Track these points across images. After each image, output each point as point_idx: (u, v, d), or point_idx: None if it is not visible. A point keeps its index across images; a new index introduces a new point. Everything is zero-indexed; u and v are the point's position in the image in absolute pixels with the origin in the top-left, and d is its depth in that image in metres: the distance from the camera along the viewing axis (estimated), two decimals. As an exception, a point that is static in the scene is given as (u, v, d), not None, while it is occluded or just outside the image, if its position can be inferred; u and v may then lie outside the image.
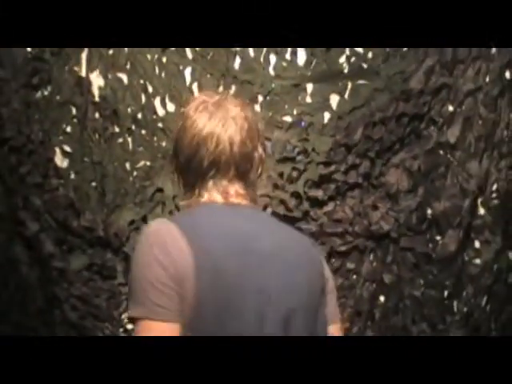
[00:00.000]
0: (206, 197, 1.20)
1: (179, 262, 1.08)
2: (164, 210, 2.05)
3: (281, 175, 2.01)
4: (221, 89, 2.05)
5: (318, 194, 1.98)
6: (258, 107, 2.05)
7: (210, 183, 1.19)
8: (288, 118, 2.05)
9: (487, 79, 1.96)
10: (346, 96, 2.01)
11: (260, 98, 2.05)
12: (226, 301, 1.08)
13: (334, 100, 2.02)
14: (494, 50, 1.94)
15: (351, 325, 1.97)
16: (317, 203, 1.99)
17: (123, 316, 2.11)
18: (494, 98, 1.96)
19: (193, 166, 1.19)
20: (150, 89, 2.08)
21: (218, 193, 1.19)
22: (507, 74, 1.97)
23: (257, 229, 1.17)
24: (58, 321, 2.11)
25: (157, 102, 2.08)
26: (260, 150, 1.23)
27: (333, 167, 1.98)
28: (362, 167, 1.99)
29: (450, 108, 1.96)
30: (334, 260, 2.00)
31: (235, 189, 1.19)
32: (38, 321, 2.12)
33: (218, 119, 1.18)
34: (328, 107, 2.02)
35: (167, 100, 2.07)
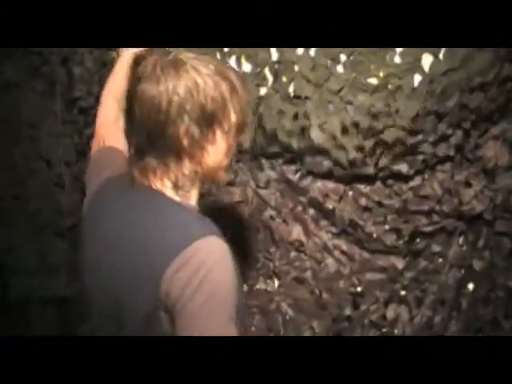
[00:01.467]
0: None
1: None
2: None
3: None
4: (300, 48, 1.86)
5: (402, 166, 1.76)
6: (340, 68, 1.84)
7: None
8: (373, 80, 1.81)
9: None
10: (441, 56, 1.75)
11: (343, 58, 1.80)
12: None
13: (427, 61, 1.77)
14: None
15: (434, 313, 1.78)
16: (401, 177, 1.78)
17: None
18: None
19: None
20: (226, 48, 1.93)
21: None
22: None
23: None
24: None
25: (232, 61, 1.92)
26: None
27: (420, 137, 1.75)
28: (454, 138, 1.74)
29: None
30: (418, 240, 1.80)
31: None
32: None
33: None
34: (419, 69, 1.77)
35: (243, 59, 1.90)
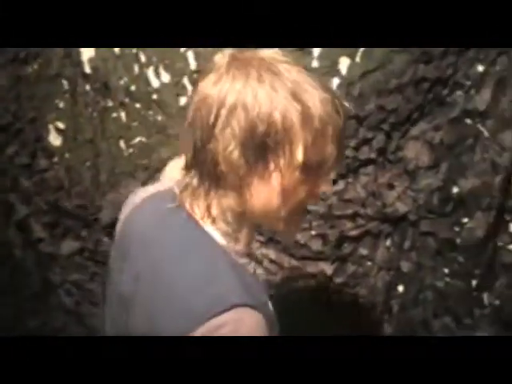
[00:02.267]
0: None
1: None
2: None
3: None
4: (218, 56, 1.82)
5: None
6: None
7: None
8: (292, 86, 1.79)
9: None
10: (358, 59, 1.73)
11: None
12: None
13: (344, 64, 1.74)
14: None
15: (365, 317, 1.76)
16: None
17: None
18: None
19: None
20: (143, 58, 1.85)
21: None
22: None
23: None
24: (55, 307, 1.99)
25: (150, 72, 1.85)
26: None
27: (342, 142, 1.72)
28: (376, 141, 1.71)
29: (480, 68, 1.63)
30: (345, 245, 1.77)
31: None
32: (34, 305, 2.02)
33: None
34: (337, 72, 1.73)
35: (161, 70, 1.83)
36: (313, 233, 1.73)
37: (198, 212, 0.99)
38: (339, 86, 1.71)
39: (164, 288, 0.96)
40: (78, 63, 1.86)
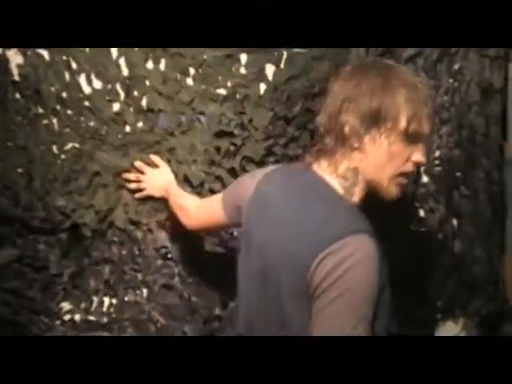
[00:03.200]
0: None
1: None
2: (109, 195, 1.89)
3: (218, 150, 1.88)
4: (150, 63, 1.89)
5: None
6: (190, 80, 1.87)
7: None
8: (222, 91, 1.88)
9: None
10: (282, 65, 1.85)
11: (192, 71, 1.84)
12: None
13: (270, 70, 1.85)
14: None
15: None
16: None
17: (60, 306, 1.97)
18: (434, 63, 1.85)
19: None
20: (74, 65, 1.87)
21: None
22: (445, 37, 1.86)
23: None
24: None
25: (82, 79, 1.88)
26: None
27: (271, 141, 1.85)
28: (302, 139, 1.84)
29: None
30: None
31: None
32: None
33: None
34: (264, 78, 1.85)
35: (93, 77, 1.87)
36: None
37: (326, 169, 1.30)
38: (266, 90, 1.85)
39: (296, 225, 1.24)
40: (6, 70, 1.86)
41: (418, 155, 1.28)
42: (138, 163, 1.87)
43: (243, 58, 1.86)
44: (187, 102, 1.86)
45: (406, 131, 1.24)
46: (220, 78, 1.86)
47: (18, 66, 1.85)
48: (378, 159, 1.26)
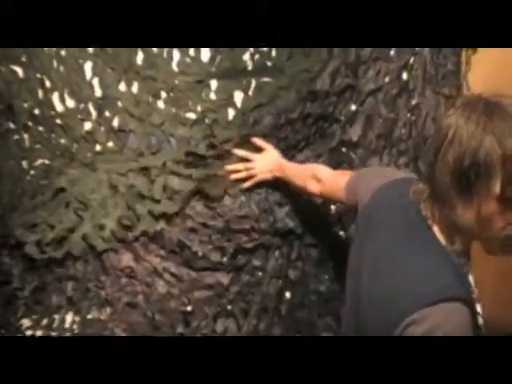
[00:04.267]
0: None
1: None
2: (68, 211, 1.89)
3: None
4: (122, 85, 1.93)
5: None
6: (161, 103, 1.92)
7: None
8: (192, 115, 1.93)
9: (386, 80, 1.93)
10: (250, 93, 1.92)
11: (163, 95, 1.89)
12: None
13: (239, 97, 1.93)
14: (392, 51, 1.93)
15: (259, 321, 1.92)
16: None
17: (21, 321, 1.95)
18: (393, 97, 1.95)
19: None
20: (48, 83, 1.89)
21: None
22: (404, 75, 1.97)
23: None
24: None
25: (55, 97, 1.92)
26: None
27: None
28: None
29: (353, 107, 1.91)
30: (240, 257, 1.94)
31: None
32: None
33: None
34: (232, 104, 1.92)
35: (66, 95, 1.91)
36: (211, 246, 1.89)
37: (425, 211, 1.20)
38: (235, 116, 1.92)
39: (397, 268, 1.16)
40: (-20, 85, 1.88)
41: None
42: (241, 152, 1.86)
43: (213, 84, 1.92)
44: (158, 124, 1.91)
45: (501, 196, 1.10)
46: (190, 102, 1.92)
47: (-8, 82, 1.87)
48: (471, 220, 1.13)
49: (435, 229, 1.19)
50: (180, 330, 1.89)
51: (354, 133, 1.89)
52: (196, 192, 1.89)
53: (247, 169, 1.88)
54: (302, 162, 1.89)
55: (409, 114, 1.95)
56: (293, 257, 1.92)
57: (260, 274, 1.91)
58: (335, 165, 1.88)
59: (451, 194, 1.12)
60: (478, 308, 1.40)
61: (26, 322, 1.93)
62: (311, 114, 1.88)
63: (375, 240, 1.25)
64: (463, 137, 1.09)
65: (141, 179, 1.90)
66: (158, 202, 1.88)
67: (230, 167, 1.89)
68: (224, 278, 1.90)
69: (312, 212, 1.91)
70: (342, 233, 1.92)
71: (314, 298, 1.91)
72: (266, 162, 1.86)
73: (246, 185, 1.89)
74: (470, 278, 1.38)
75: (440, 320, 1.07)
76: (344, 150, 1.91)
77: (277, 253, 1.92)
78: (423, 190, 1.20)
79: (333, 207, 1.91)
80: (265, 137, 1.88)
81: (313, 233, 1.91)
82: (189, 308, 1.90)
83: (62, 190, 1.90)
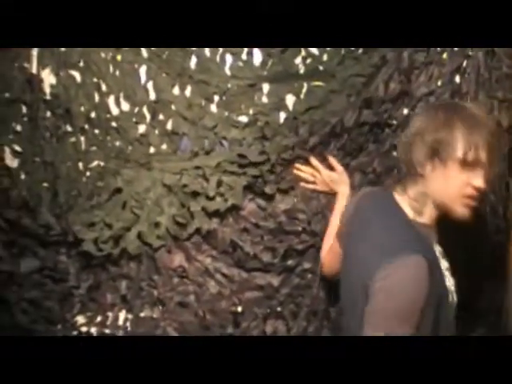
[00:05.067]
0: None
1: None
2: (125, 210, 1.93)
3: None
4: (176, 89, 1.96)
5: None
6: (213, 107, 1.94)
7: None
8: (244, 118, 1.94)
9: (439, 83, 1.89)
10: (302, 96, 1.92)
11: (216, 98, 1.92)
12: None
13: (290, 100, 1.93)
14: (445, 55, 1.91)
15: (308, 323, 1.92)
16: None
17: (76, 318, 2.00)
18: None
19: None
20: (104, 87, 1.93)
21: None
22: (457, 79, 1.95)
23: None
24: (7, 325, 1.97)
25: (111, 100, 1.95)
26: None
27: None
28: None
29: (405, 111, 1.88)
30: (290, 259, 1.92)
31: None
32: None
33: None
34: (284, 107, 1.93)
35: (121, 99, 1.95)
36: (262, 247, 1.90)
37: (398, 194, 1.51)
38: (286, 119, 1.93)
39: (371, 235, 1.44)
40: (40, 89, 1.93)
41: (477, 180, 1.41)
42: (315, 162, 1.88)
43: (265, 87, 1.94)
44: (210, 127, 1.93)
45: (463, 160, 1.40)
46: (242, 106, 1.94)
47: (51, 86, 1.92)
48: (441, 184, 1.43)
49: (405, 205, 1.47)
50: (230, 330, 1.90)
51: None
52: (249, 188, 1.90)
53: (313, 175, 1.90)
54: (355, 168, 1.89)
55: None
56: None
57: (310, 276, 1.91)
58: (386, 169, 1.87)
59: (423, 164, 1.44)
60: (447, 274, 1.48)
61: (80, 319, 1.98)
62: (367, 122, 1.87)
63: (361, 226, 1.52)
64: (430, 121, 1.46)
65: (194, 177, 1.91)
66: (211, 199, 1.90)
67: (299, 166, 1.90)
68: (274, 280, 1.90)
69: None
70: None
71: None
72: (332, 182, 1.87)
73: (306, 186, 1.90)
74: (437, 248, 1.47)
75: (399, 270, 1.30)
76: (395, 154, 1.89)
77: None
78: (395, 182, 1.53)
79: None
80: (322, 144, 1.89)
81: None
82: (239, 308, 1.91)
83: (119, 190, 1.94)
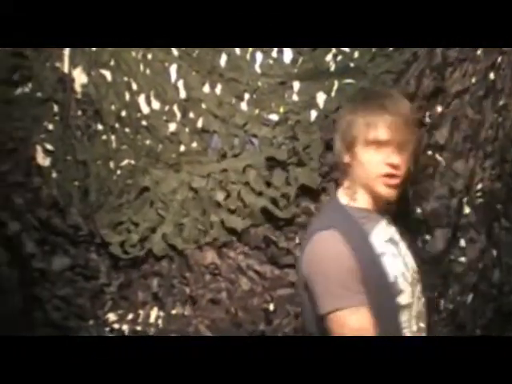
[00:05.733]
0: None
1: None
2: (152, 210, 1.93)
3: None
4: (206, 87, 1.95)
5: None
6: (244, 105, 1.91)
7: None
8: (274, 116, 1.92)
9: (473, 80, 1.85)
10: (333, 94, 1.89)
11: (246, 96, 1.90)
12: None
13: (321, 98, 1.90)
14: (479, 51, 1.86)
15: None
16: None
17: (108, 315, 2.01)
18: (480, 99, 1.88)
19: None
20: (135, 86, 1.91)
21: None
22: (491, 75, 1.90)
23: None
24: (40, 322, 1.99)
25: (141, 99, 1.95)
26: None
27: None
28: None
29: (439, 109, 1.83)
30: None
31: None
32: (18, 322, 2.00)
33: None
34: (315, 105, 1.90)
35: (152, 98, 1.93)
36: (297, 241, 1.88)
37: (339, 186, 1.62)
38: (317, 117, 1.90)
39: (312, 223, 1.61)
40: (71, 89, 1.92)
41: (390, 158, 1.49)
42: None
43: (296, 85, 1.91)
44: (241, 125, 1.91)
45: (366, 140, 1.49)
46: (273, 104, 1.92)
47: (82, 85, 1.91)
48: (360, 169, 1.52)
49: (342, 194, 1.57)
50: (262, 327, 1.89)
51: (441, 136, 1.84)
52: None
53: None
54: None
55: (496, 115, 1.87)
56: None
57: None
58: (421, 169, 1.84)
59: (343, 154, 1.55)
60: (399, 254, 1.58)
61: (112, 316, 1.98)
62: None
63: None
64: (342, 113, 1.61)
65: (220, 184, 1.91)
66: (232, 212, 1.89)
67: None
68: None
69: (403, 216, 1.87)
70: (427, 236, 1.87)
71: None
72: None
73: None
74: (378, 229, 1.55)
75: (314, 247, 1.48)
76: (430, 153, 1.86)
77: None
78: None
79: (418, 210, 1.87)
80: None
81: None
82: (271, 306, 1.90)
83: (146, 188, 1.94)
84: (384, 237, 1.55)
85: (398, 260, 1.55)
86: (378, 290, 1.46)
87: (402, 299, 1.51)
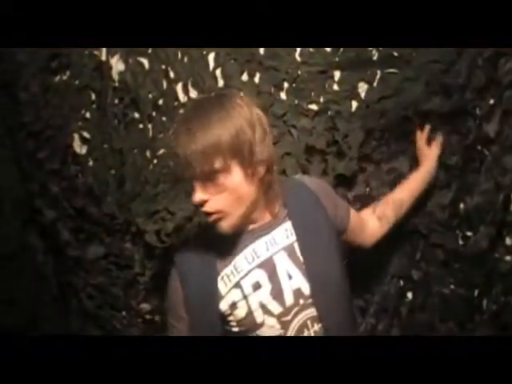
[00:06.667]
0: None
1: None
2: (188, 199, 1.88)
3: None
4: (245, 75, 1.89)
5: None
6: (283, 94, 1.85)
7: None
8: (314, 106, 1.85)
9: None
10: (375, 84, 1.81)
11: (285, 85, 1.82)
12: None
13: (363, 88, 1.82)
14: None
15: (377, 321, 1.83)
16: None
17: (141, 306, 1.99)
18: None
19: None
20: (172, 74, 1.87)
21: None
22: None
23: None
24: (74, 310, 1.98)
25: (179, 87, 1.91)
26: None
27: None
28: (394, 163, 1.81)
29: (491, 101, 1.73)
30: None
31: None
32: (52, 310, 2.00)
33: None
34: (356, 96, 1.83)
35: (189, 86, 1.89)
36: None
37: None
38: (358, 108, 1.82)
39: None
40: (109, 77, 1.89)
41: (193, 196, 1.36)
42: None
43: (337, 75, 1.84)
44: (280, 115, 1.85)
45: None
46: (312, 93, 1.85)
47: (119, 73, 1.88)
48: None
49: None
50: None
51: (491, 128, 1.74)
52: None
53: None
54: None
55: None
56: (417, 257, 1.81)
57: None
58: (467, 163, 1.75)
59: None
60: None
61: (145, 307, 1.96)
62: (446, 111, 1.75)
63: None
64: None
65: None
66: None
67: None
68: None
69: (439, 211, 1.78)
70: (470, 233, 1.78)
71: (437, 301, 1.80)
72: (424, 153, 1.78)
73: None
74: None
75: None
76: (479, 147, 1.76)
77: (400, 252, 1.82)
78: None
79: (461, 206, 1.78)
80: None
81: (439, 233, 1.79)
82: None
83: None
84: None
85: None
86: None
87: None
